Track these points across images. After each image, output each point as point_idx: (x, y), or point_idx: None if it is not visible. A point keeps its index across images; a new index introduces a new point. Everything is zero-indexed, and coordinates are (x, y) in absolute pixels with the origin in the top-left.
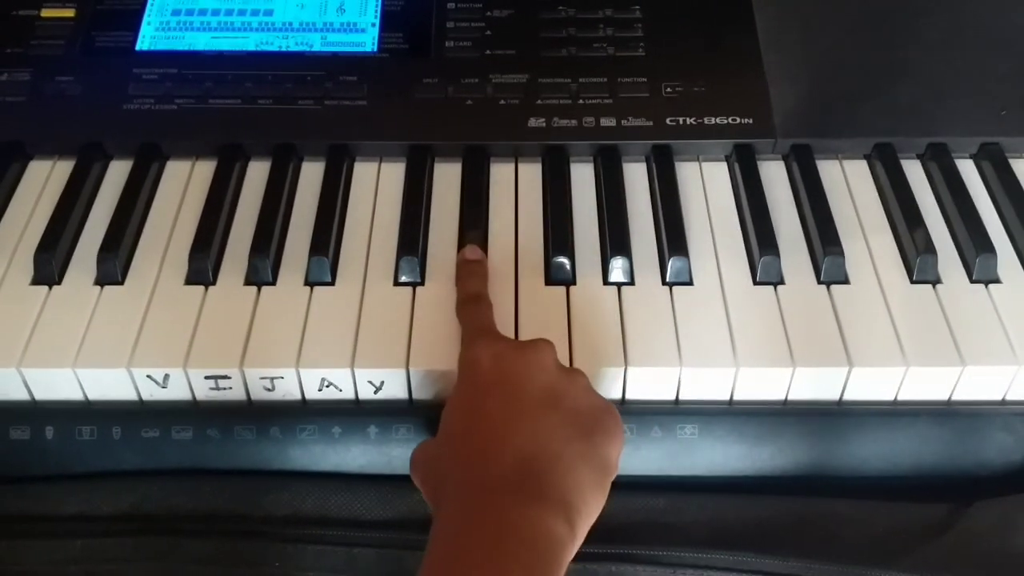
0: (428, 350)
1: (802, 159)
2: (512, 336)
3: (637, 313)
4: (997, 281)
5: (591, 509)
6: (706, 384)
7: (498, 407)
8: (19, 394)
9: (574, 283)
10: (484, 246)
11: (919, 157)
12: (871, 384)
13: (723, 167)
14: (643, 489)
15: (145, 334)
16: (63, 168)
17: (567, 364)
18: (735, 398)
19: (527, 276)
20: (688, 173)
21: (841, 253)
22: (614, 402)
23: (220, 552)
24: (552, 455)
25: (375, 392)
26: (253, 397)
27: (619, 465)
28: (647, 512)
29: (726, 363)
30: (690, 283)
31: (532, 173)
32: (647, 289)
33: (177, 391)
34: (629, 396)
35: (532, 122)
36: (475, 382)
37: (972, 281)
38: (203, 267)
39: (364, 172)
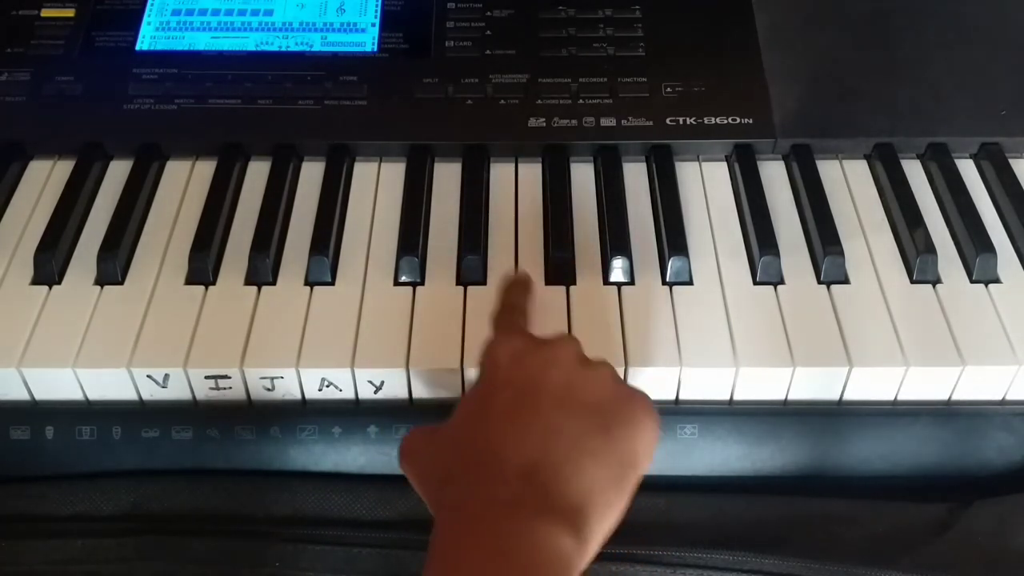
0: (428, 350)
1: (802, 159)
2: None
3: (637, 313)
4: (997, 281)
5: (607, 511)
6: (706, 384)
7: (508, 408)
8: (19, 394)
9: (574, 283)
10: (484, 246)
11: (919, 157)
12: (871, 384)
13: (723, 167)
14: (643, 489)
15: (145, 334)
16: (63, 168)
17: None
18: (735, 398)
19: None
20: (688, 173)
21: (841, 253)
22: None
23: (220, 552)
24: (559, 458)
25: (375, 392)
26: (253, 397)
27: (652, 455)
28: (647, 512)
29: (726, 363)
30: (690, 283)
31: (532, 173)
32: (647, 289)
33: (177, 391)
34: None
35: (532, 122)
36: (489, 380)
37: (972, 281)
38: (203, 267)
39: (364, 172)
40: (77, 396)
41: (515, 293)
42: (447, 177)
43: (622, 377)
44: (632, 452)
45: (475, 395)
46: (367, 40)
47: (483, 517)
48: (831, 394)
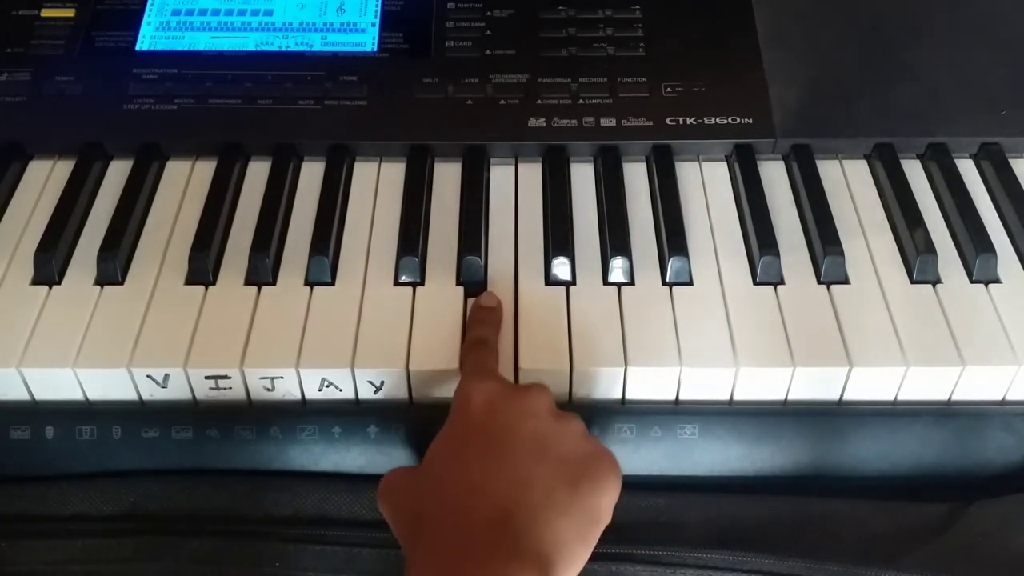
0: (428, 350)
1: (802, 159)
2: (512, 341)
3: (637, 313)
4: (997, 281)
5: (573, 562)
6: (706, 384)
7: (481, 454)
8: (19, 394)
9: (574, 283)
10: (484, 246)
11: (919, 157)
12: (871, 384)
13: (723, 167)
14: (643, 489)
15: (145, 334)
16: (63, 168)
17: (566, 365)
18: (735, 398)
19: (527, 276)
20: (688, 173)
21: (841, 253)
22: (613, 402)
23: (220, 552)
24: (531, 509)
25: (375, 392)
26: (253, 397)
27: (611, 511)
28: (647, 512)
29: (726, 363)
30: (690, 283)
31: (532, 173)
32: (647, 289)
33: (177, 391)
34: (629, 396)
35: (532, 122)
36: (463, 423)
37: (972, 281)
38: (203, 267)
39: (364, 172)
40: (77, 396)
41: (484, 327)
42: (447, 177)
43: (622, 378)
44: (597, 508)
45: (448, 437)
46: (367, 40)
47: (456, 559)
48: (831, 394)
